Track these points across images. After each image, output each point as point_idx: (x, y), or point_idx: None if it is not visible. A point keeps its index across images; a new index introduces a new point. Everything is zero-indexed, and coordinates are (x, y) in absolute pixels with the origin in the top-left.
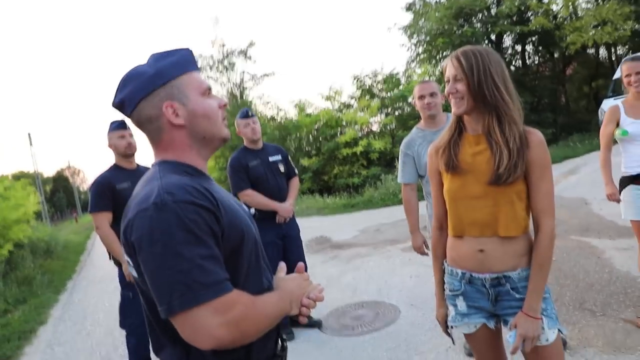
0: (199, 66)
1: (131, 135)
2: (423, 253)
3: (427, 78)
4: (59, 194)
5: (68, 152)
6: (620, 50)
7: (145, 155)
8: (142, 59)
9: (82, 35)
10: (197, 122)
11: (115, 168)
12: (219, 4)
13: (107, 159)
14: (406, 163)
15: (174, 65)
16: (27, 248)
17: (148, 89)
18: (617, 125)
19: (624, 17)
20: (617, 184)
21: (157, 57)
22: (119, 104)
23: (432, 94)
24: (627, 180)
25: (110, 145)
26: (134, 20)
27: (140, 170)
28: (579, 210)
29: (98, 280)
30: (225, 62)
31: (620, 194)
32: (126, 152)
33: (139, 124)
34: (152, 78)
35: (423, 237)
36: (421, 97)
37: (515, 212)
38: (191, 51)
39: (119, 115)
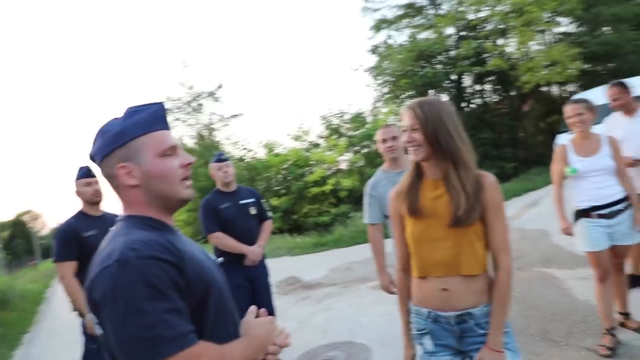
0: (168, 118)
1: (97, 182)
2: (390, 292)
3: (391, 117)
4: (17, 239)
5: (28, 195)
6: (571, 88)
7: (111, 202)
8: (106, 98)
9: (44, 70)
10: (151, 183)
11: (81, 215)
12: (188, 46)
13: (69, 202)
14: (372, 204)
15: (138, 124)
16: None
17: (109, 149)
18: (566, 163)
19: (572, 58)
20: (570, 216)
21: (128, 113)
22: (90, 158)
23: (393, 138)
24: (579, 214)
25: (77, 193)
26: (103, 60)
27: (106, 217)
28: (541, 241)
29: (57, 331)
30: (194, 104)
31: (574, 226)
32: (92, 199)
33: (104, 178)
34: (114, 137)
35: (390, 276)
36: (384, 141)
37: (476, 252)
38: (162, 107)
39: (86, 162)
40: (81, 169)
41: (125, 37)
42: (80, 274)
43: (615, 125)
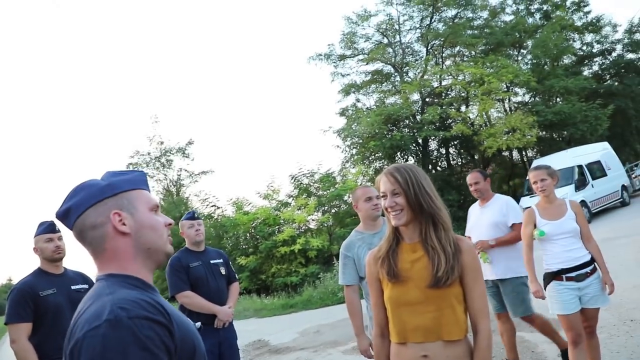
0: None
1: (60, 238)
2: (369, 356)
3: (360, 178)
4: None
5: None
6: (530, 153)
7: (72, 258)
8: (69, 152)
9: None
10: (143, 233)
11: (39, 273)
12: (158, 101)
13: (26, 258)
14: (347, 265)
15: (128, 181)
16: None
17: (98, 198)
18: (535, 226)
19: (529, 126)
20: (540, 279)
21: (111, 173)
22: (63, 213)
23: (378, 197)
24: (549, 277)
25: (35, 249)
26: (69, 111)
27: (67, 275)
28: None
29: None
30: (163, 159)
31: (545, 289)
32: (54, 256)
33: (81, 232)
34: (104, 188)
35: (369, 340)
36: (368, 199)
37: (457, 316)
38: (145, 174)
39: (46, 217)
40: (42, 223)
41: (95, 90)
42: (34, 336)
43: (471, 213)
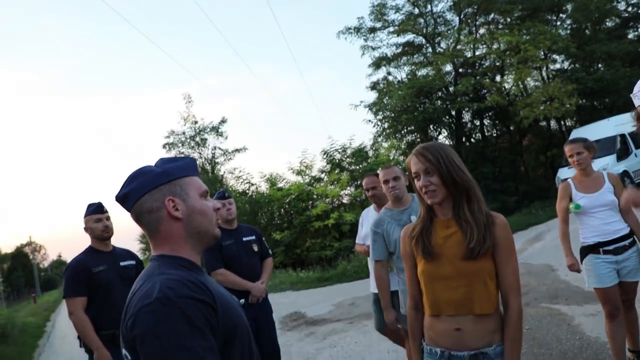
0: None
1: (108, 218)
2: (396, 328)
3: (392, 152)
4: (17, 272)
5: (29, 226)
6: (569, 122)
7: (120, 237)
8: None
9: (49, 104)
10: (193, 217)
11: (90, 251)
12: (193, 82)
13: (71, 234)
14: (376, 241)
15: (181, 168)
16: None
17: (153, 184)
18: (570, 199)
19: (568, 94)
20: (577, 253)
21: (164, 161)
22: (122, 197)
23: (395, 178)
24: (585, 250)
25: (86, 229)
26: (108, 95)
27: (116, 252)
28: (547, 276)
29: None
30: (197, 139)
31: (581, 263)
32: (103, 235)
33: (139, 216)
34: (159, 175)
35: (395, 313)
36: (386, 182)
37: (489, 291)
38: (194, 160)
39: (95, 198)
40: (91, 205)
41: (130, 70)
42: (89, 309)
43: (366, 217)
